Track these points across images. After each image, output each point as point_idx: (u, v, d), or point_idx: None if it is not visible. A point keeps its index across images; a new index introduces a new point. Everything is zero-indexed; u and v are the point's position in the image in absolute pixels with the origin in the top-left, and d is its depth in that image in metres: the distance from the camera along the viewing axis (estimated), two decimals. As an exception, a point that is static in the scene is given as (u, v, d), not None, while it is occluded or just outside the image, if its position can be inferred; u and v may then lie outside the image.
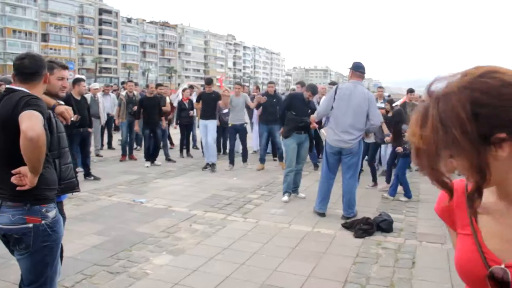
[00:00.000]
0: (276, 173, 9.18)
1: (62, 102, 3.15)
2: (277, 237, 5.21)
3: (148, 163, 9.80)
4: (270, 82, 10.48)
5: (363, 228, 5.34)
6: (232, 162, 9.67)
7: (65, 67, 3.35)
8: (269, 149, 11.02)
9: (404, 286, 3.94)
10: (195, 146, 12.38)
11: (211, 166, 9.39)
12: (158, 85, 10.94)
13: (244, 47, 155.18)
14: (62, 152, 3.08)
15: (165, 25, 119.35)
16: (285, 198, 6.95)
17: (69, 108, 3.09)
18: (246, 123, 9.76)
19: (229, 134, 10.03)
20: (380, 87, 11.14)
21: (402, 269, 4.32)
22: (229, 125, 9.68)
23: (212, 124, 9.61)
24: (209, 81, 10.01)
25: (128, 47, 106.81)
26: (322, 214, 6.14)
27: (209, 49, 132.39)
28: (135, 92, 11.21)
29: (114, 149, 12.25)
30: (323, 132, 6.51)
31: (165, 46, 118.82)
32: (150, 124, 9.82)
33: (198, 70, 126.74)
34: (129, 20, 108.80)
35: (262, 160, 9.73)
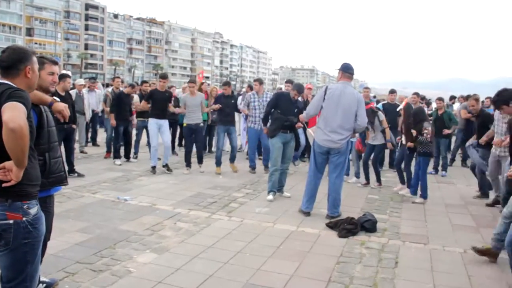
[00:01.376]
0: (261, 172, 9.18)
1: (58, 99, 3.19)
2: (262, 236, 5.21)
3: (118, 161, 9.67)
4: (225, 83, 9.89)
5: (347, 227, 5.37)
6: (188, 165, 9.21)
7: (55, 63, 3.40)
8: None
9: (387, 286, 3.97)
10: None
11: (166, 167, 9.04)
12: (143, 82, 10.92)
13: (231, 45, 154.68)
14: (51, 146, 3.13)
15: (152, 21, 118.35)
16: (270, 197, 6.96)
17: (67, 106, 3.16)
18: (202, 123, 9.49)
19: (184, 134, 9.89)
20: (366, 88, 11.33)
21: (385, 269, 4.35)
22: (184, 125, 9.33)
23: (167, 124, 9.17)
24: (164, 76, 9.34)
25: (115, 43, 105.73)
26: (308, 214, 6.16)
27: (196, 46, 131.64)
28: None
29: (98, 146, 12.21)
30: (311, 132, 6.52)
31: (152, 43, 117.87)
32: (121, 120, 9.74)
33: (185, 68, 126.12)
34: (115, 16, 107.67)
35: (218, 163, 9.27)
